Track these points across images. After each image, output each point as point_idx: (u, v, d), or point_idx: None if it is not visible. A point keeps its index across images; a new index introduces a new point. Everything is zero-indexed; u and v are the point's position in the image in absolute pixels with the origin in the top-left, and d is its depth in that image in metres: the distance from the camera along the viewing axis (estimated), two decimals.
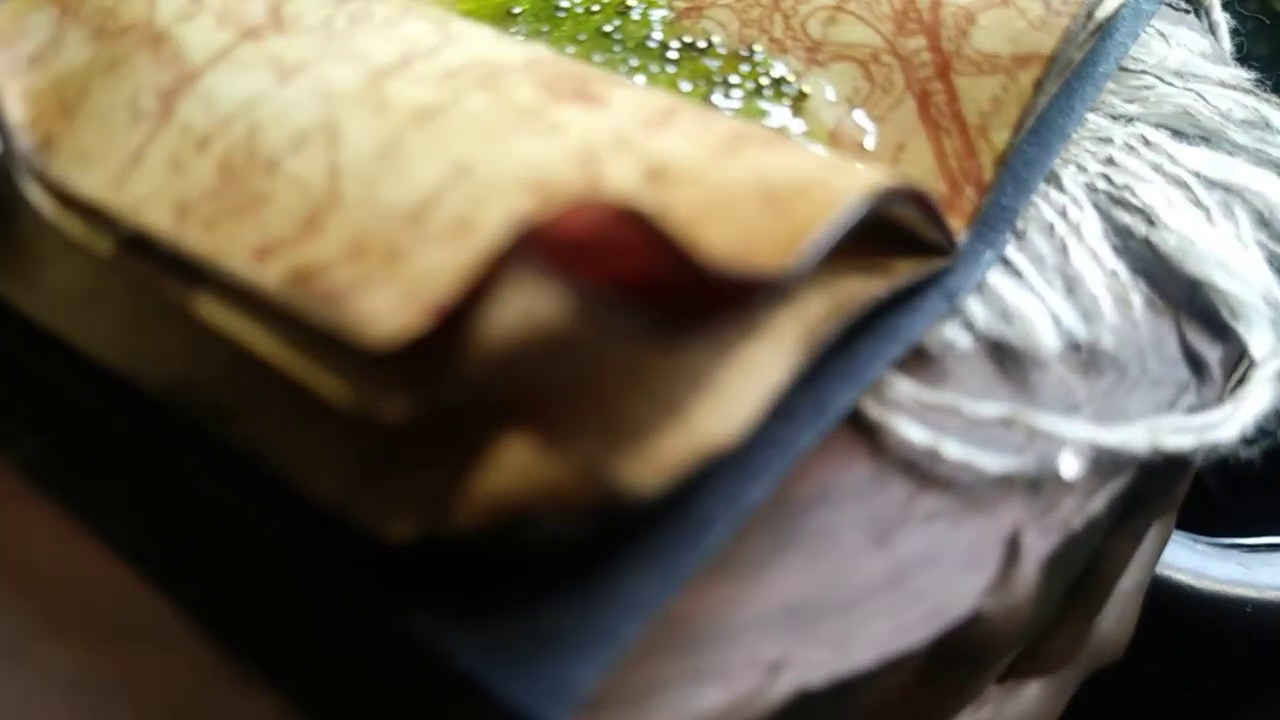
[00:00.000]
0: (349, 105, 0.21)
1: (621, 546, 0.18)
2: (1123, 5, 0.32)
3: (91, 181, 0.21)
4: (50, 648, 0.20)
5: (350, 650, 0.19)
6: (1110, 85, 0.33)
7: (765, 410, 0.19)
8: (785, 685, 0.19)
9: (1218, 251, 0.27)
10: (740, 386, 0.19)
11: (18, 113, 0.22)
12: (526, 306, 0.16)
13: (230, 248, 0.19)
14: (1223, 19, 0.40)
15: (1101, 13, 0.30)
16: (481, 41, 0.23)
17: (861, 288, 0.22)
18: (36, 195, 0.21)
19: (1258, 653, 0.47)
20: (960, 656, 0.21)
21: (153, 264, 0.20)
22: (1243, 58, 0.40)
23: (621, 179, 0.19)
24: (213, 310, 0.19)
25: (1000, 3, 0.28)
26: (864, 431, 0.23)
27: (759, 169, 0.19)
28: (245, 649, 0.19)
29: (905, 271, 0.23)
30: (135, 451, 0.21)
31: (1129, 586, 0.27)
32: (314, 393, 0.18)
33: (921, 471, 0.23)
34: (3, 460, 0.22)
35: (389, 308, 0.17)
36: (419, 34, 0.23)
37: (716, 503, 0.19)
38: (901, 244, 0.24)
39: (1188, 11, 0.39)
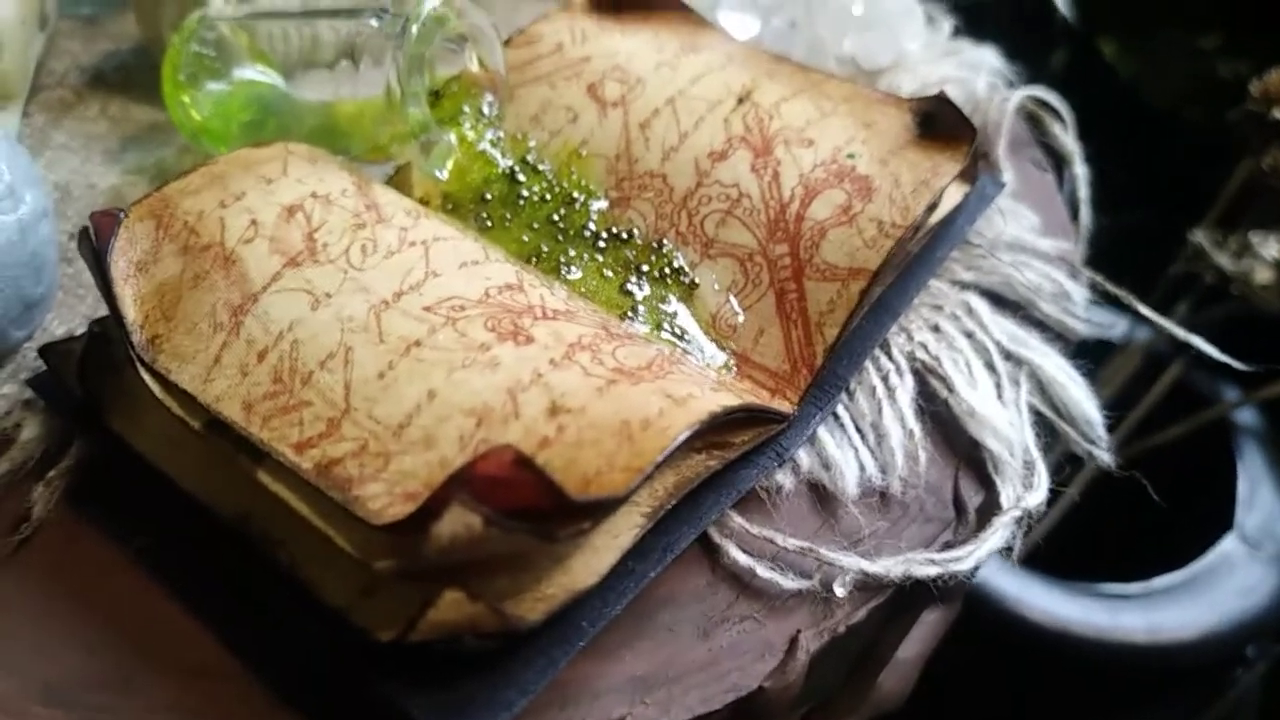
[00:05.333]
0: (359, 333, 0.33)
1: (520, 647, 0.31)
2: (959, 204, 0.43)
3: (186, 376, 0.33)
4: (153, 681, 0.32)
5: (348, 694, 0.31)
6: (956, 254, 0.45)
7: (619, 560, 0.32)
8: None
9: (993, 418, 0.39)
10: (603, 545, 0.32)
11: (131, 314, 0.34)
12: (460, 521, 0.28)
13: (279, 441, 0.31)
14: (1083, 172, 0.51)
15: (934, 218, 0.42)
16: (454, 266, 0.35)
17: (702, 463, 0.34)
18: (148, 379, 0.34)
19: (1091, 673, 0.60)
20: (750, 716, 0.34)
21: (228, 441, 0.32)
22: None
23: (531, 409, 0.31)
24: (268, 479, 0.32)
25: (846, 222, 0.40)
26: (707, 551, 0.36)
27: (623, 404, 0.31)
28: (278, 685, 0.32)
29: (742, 443, 0.36)
30: (211, 550, 0.34)
31: (908, 655, 0.40)
32: (332, 540, 0.31)
33: (743, 583, 0.35)
34: (120, 550, 0.35)
35: (379, 495, 0.30)
36: (410, 265, 0.35)
37: (585, 618, 0.32)
38: (748, 419, 0.36)
39: (1045, 171, 0.51)
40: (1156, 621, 0.59)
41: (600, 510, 0.29)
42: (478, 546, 0.29)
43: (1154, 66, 0.83)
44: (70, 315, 0.41)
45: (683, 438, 0.31)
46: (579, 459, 0.30)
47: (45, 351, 0.37)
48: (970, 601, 0.46)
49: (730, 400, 0.34)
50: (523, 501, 0.28)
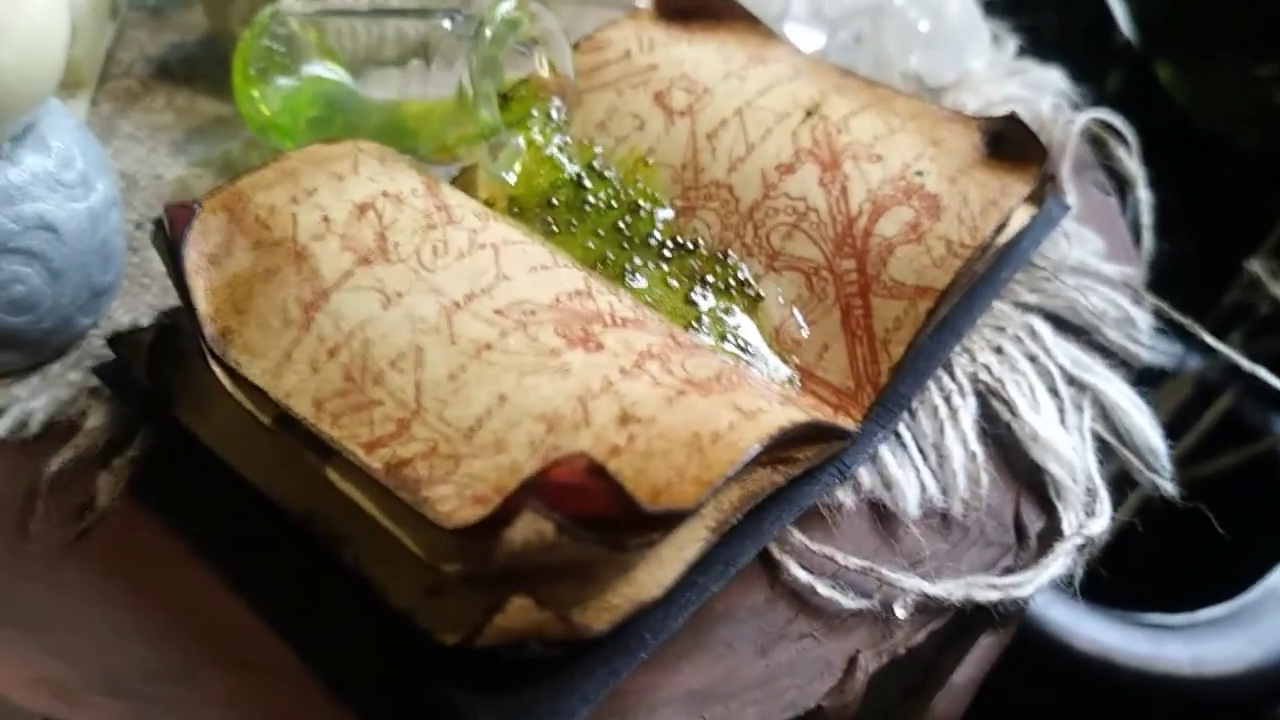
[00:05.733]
0: (430, 334, 0.33)
1: (583, 656, 0.31)
2: (1025, 226, 0.43)
3: (257, 370, 0.33)
4: (213, 675, 0.33)
5: (409, 697, 0.31)
6: (1019, 276, 0.45)
7: (684, 573, 0.32)
8: None
9: (1056, 443, 0.39)
10: (669, 557, 0.32)
11: (203, 306, 0.35)
12: (532, 528, 0.28)
13: (350, 439, 0.31)
14: (1146, 197, 0.51)
15: (1002, 239, 0.41)
16: (524, 270, 0.35)
17: (767, 478, 0.34)
18: (219, 372, 0.34)
19: (1134, 702, 0.60)
20: None
21: (297, 437, 0.32)
22: None
23: (602, 417, 0.31)
24: (336, 477, 0.32)
25: (915, 239, 0.39)
26: (768, 566, 0.36)
27: (693, 416, 0.31)
28: (338, 685, 0.32)
29: (807, 459, 0.36)
30: (273, 545, 0.34)
31: (962, 679, 0.39)
32: (399, 540, 0.31)
33: (802, 601, 0.35)
34: (179, 541, 0.35)
35: (449, 497, 0.30)
36: (481, 267, 0.35)
37: (648, 629, 0.32)
38: (813, 435, 0.36)
39: (1108, 195, 0.51)
40: (1201, 653, 0.59)
41: (670, 522, 0.29)
42: (548, 553, 0.29)
43: (1210, 92, 0.82)
44: (135, 304, 0.42)
45: (753, 452, 0.31)
46: (649, 469, 0.30)
47: (114, 341, 0.37)
48: (1017, 627, 0.46)
49: (799, 416, 0.33)
50: (595, 509, 0.28)
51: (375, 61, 0.48)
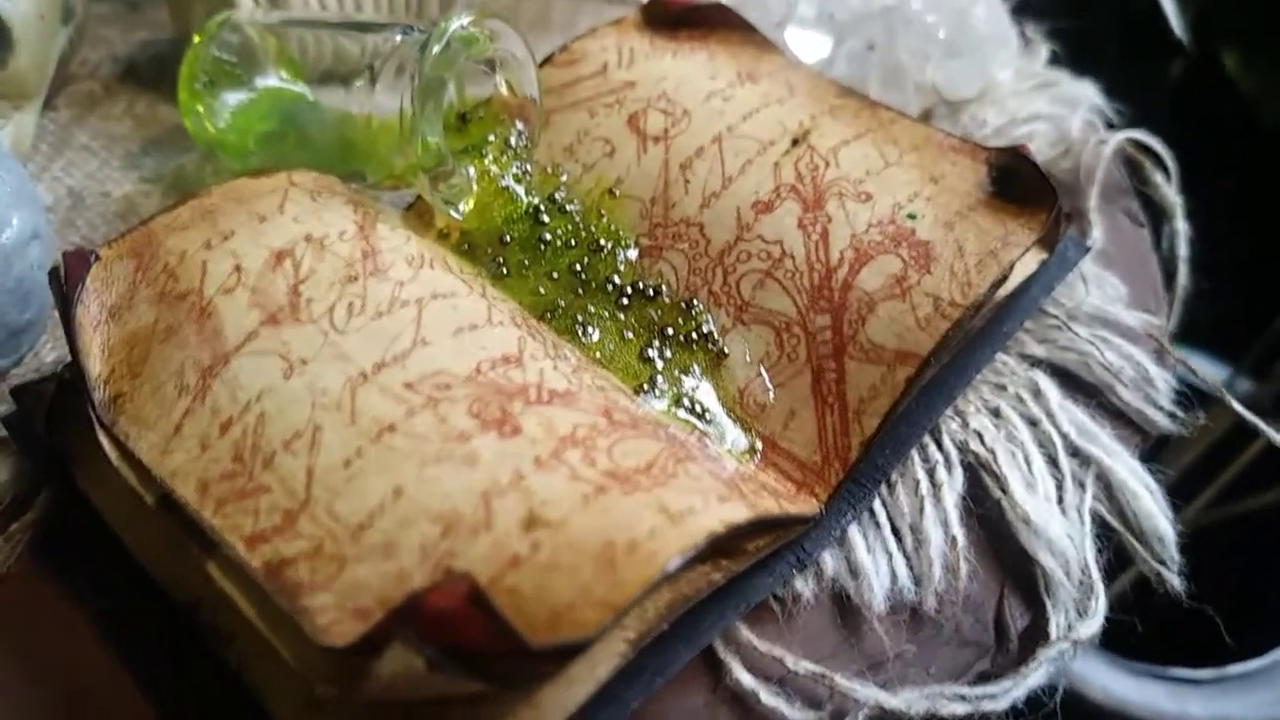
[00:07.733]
0: (330, 410, 0.29)
1: None
2: (1036, 271, 0.38)
3: (145, 445, 0.30)
4: None
5: None
6: (1028, 323, 0.39)
7: (596, 693, 0.28)
8: None
9: (1049, 529, 0.34)
10: (578, 675, 0.27)
11: (95, 368, 0.31)
12: (402, 661, 0.24)
13: (231, 531, 0.28)
14: (1184, 228, 0.45)
15: (1002, 293, 0.36)
16: (447, 333, 0.31)
17: (704, 577, 0.30)
18: (106, 444, 0.30)
19: None
20: None
21: (180, 523, 0.29)
22: None
23: (505, 519, 0.27)
24: (217, 573, 0.28)
25: (899, 295, 0.34)
26: (709, 665, 0.32)
27: (610, 520, 0.27)
28: None
29: (756, 550, 0.31)
30: (170, 629, 0.31)
31: None
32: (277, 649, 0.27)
33: (745, 708, 0.31)
34: (79, 610, 0.32)
35: (328, 608, 0.26)
36: (398, 330, 0.31)
37: None
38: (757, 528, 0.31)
39: (1141, 225, 0.45)
40: (1222, 710, 0.54)
41: (564, 656, 0.25)
42: (422, 686, 0.25)
43: (1276, 85, 0.74)
44: (65, 341, 0.38)
45: (672, 567, 0.27)
46: (550, 586, 0.26)
47: (17, 393, 0.34)
48: None
49: (737, 515, 0.29)
50: (472, 642, 0.24)
51: (338, 76, 0.43)
